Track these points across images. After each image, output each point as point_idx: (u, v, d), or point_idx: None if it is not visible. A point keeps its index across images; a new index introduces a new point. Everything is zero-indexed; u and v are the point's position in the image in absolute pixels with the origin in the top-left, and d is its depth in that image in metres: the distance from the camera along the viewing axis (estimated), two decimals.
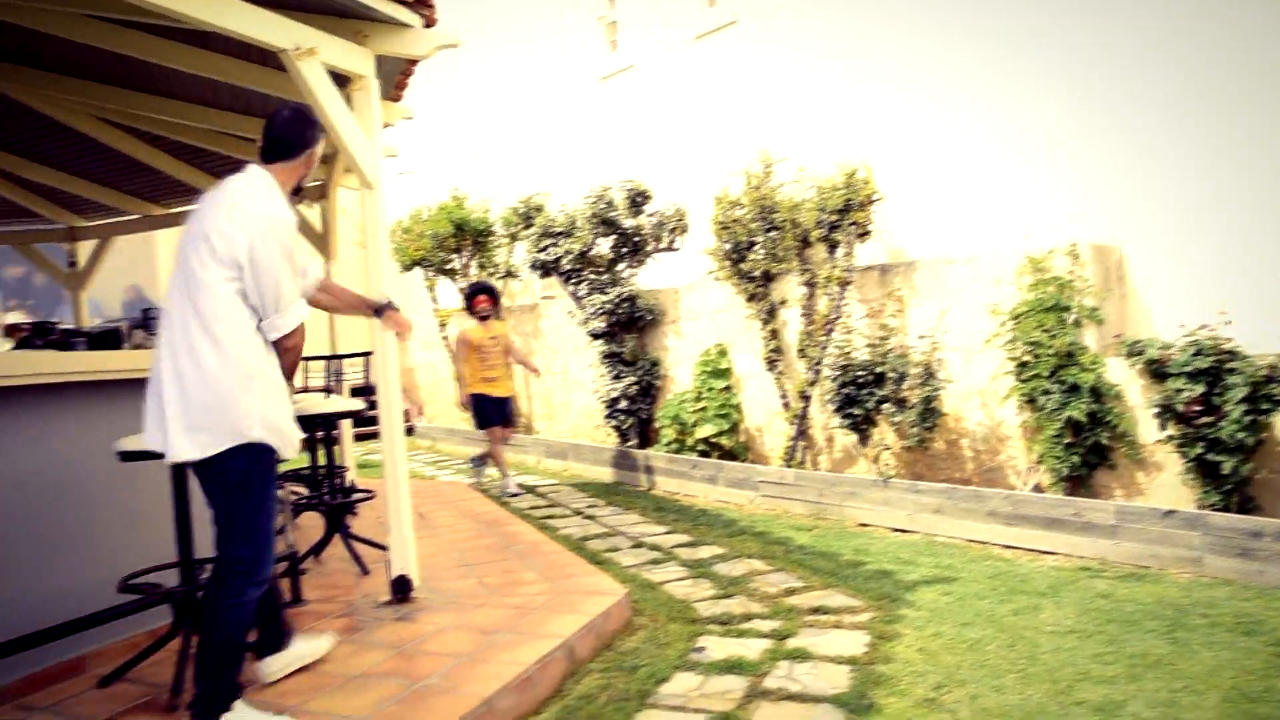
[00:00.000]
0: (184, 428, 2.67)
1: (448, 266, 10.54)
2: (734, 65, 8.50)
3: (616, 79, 10.05)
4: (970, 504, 5.53)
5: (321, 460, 5.36)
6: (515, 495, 7.56)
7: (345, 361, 6.30)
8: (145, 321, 5.34)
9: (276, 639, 3.32)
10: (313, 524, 5.99)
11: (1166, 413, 4.90)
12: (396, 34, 4.00)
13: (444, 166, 12.51)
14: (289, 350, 2.84)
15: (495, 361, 7.76)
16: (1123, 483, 5.36)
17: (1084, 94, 5.93)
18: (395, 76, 4.70)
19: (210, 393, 2.66)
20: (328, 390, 5.89)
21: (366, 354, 5.91)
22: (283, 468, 3.20)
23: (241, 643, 2.83)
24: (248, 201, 2.73)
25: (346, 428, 6.85)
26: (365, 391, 5.97)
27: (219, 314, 2.67)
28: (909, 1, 6.93)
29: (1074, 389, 5.25)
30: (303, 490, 5.70)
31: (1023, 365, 5.50)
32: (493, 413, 7.79)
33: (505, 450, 8.17)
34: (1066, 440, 5.29)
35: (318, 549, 5.18)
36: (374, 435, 11.37)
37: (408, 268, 10.92)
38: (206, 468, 2.75)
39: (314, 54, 3.53)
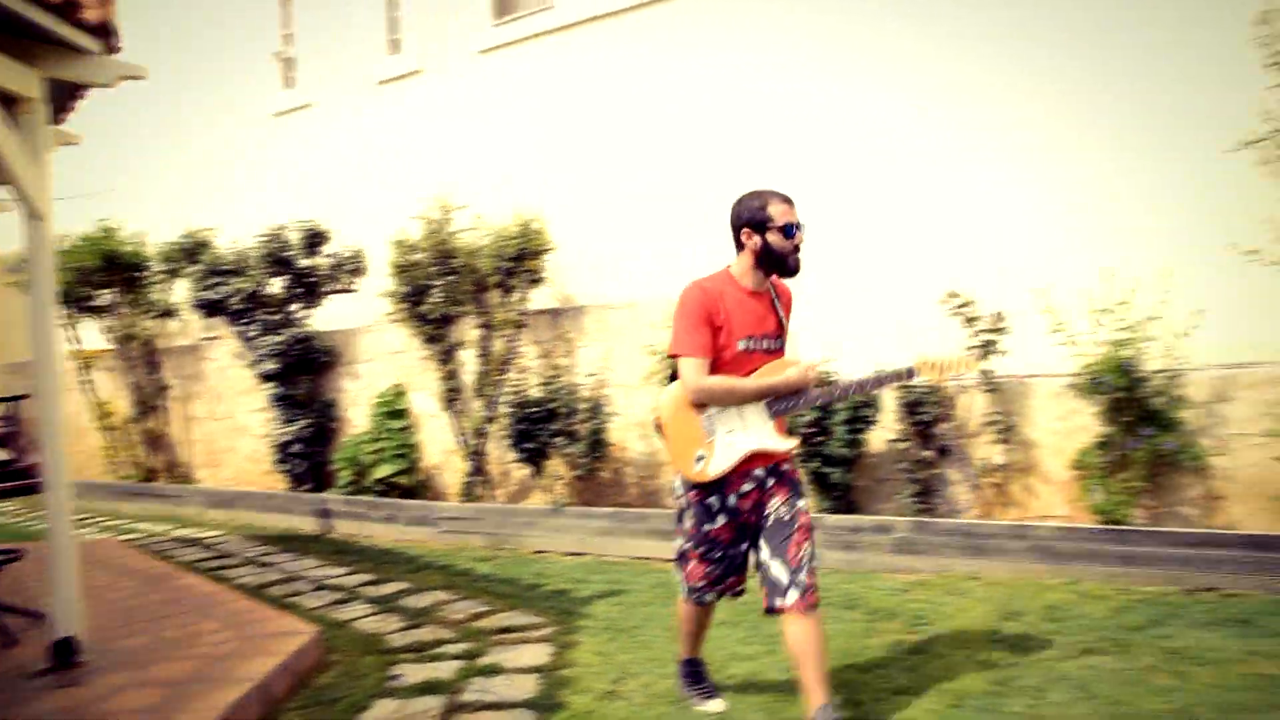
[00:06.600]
0: None
1: (93, 304, 9.66)
2: (417, 112, 8.75)
3: (293, 116, 9.88)
4: (635, 525, 6.18)
5: None
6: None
7: None
8: None
9: None
10: None
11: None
12: (72, 58, 3.84)
13: (98, 197, 11.39)
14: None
15: None
16: None
17: (741, 166, 6.90)
18: (66, 101, 4.44)
19: None
20: None
21: (9, 399, 5.39)
22: None
23: None
24: None
25: None
26: (2, 442, 5.41)
27: None
28: (587, 64, 7.62)
29: None
30: None
31: None
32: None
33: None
34: None
35: None
36: (12, 493, 10.01)
37: None
38: None
39: None
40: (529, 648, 4.33)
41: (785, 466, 3.23)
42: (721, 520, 3.18)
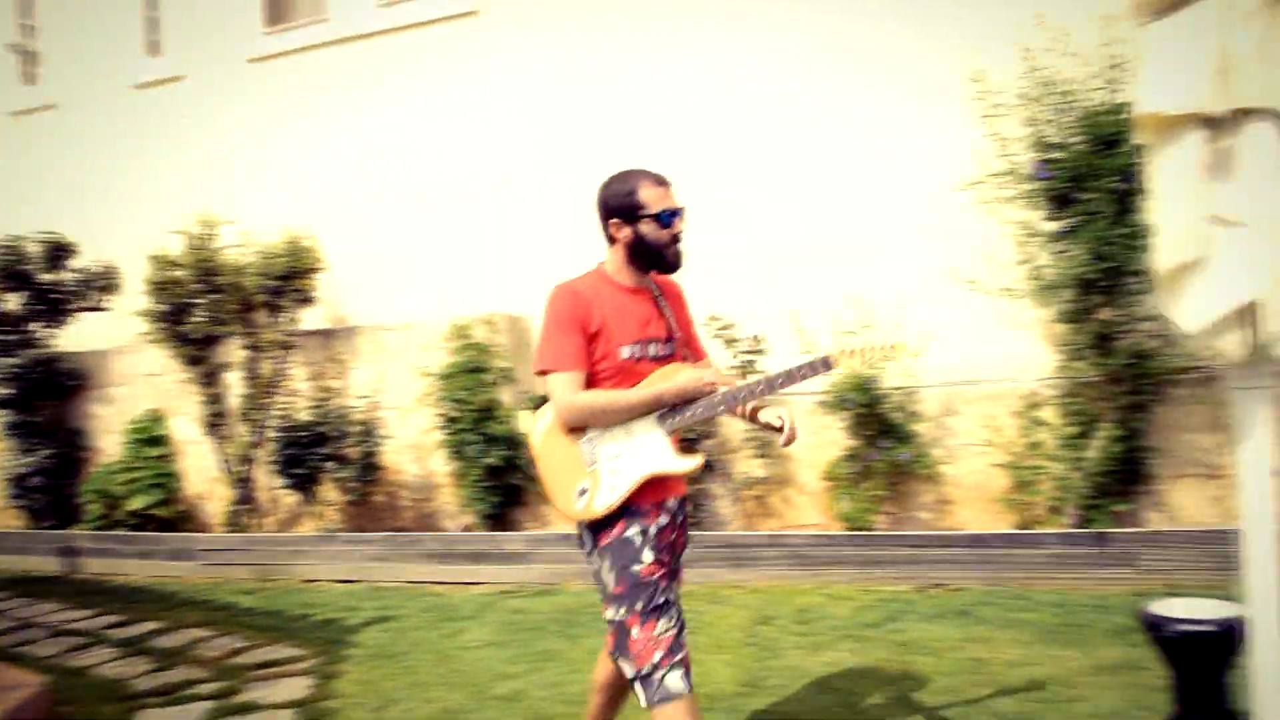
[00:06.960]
0: None
1: None
2: (181, 121, 8.25)
3: (36, 117, 9.06)
4: (408, 549, 6.09)
5: None
6: None
7: None
8: None
9: None
10: None
11: None
12: None
13: None
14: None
15: None
16: (532, 516, 6.33)
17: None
18: None
19: None
20: None
21: None
22: None
23: None
24: None
25: None
26: None
27: None
28: (365, 79, 7.46)
29: (493, 439, 6.10)
30: None
31: (451, 420, 6.23)
32: None
33: None
34: (487, 484, 6.13)
35: None
36: None
37: None
38: None
39: None
40: (288, 682, 4.18)
41: (689, 507, 2.83)
42: (649, 556, 2.46)
